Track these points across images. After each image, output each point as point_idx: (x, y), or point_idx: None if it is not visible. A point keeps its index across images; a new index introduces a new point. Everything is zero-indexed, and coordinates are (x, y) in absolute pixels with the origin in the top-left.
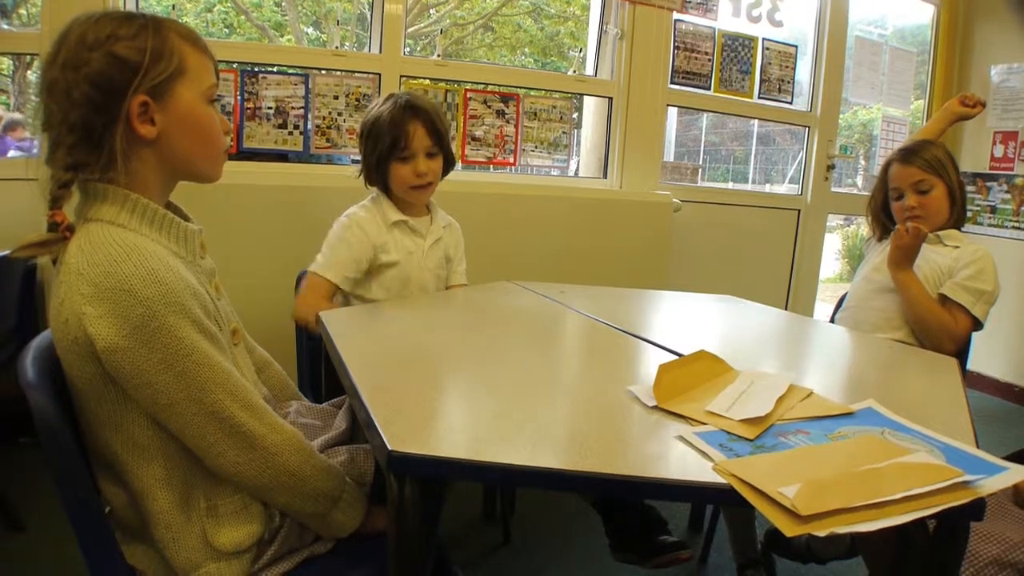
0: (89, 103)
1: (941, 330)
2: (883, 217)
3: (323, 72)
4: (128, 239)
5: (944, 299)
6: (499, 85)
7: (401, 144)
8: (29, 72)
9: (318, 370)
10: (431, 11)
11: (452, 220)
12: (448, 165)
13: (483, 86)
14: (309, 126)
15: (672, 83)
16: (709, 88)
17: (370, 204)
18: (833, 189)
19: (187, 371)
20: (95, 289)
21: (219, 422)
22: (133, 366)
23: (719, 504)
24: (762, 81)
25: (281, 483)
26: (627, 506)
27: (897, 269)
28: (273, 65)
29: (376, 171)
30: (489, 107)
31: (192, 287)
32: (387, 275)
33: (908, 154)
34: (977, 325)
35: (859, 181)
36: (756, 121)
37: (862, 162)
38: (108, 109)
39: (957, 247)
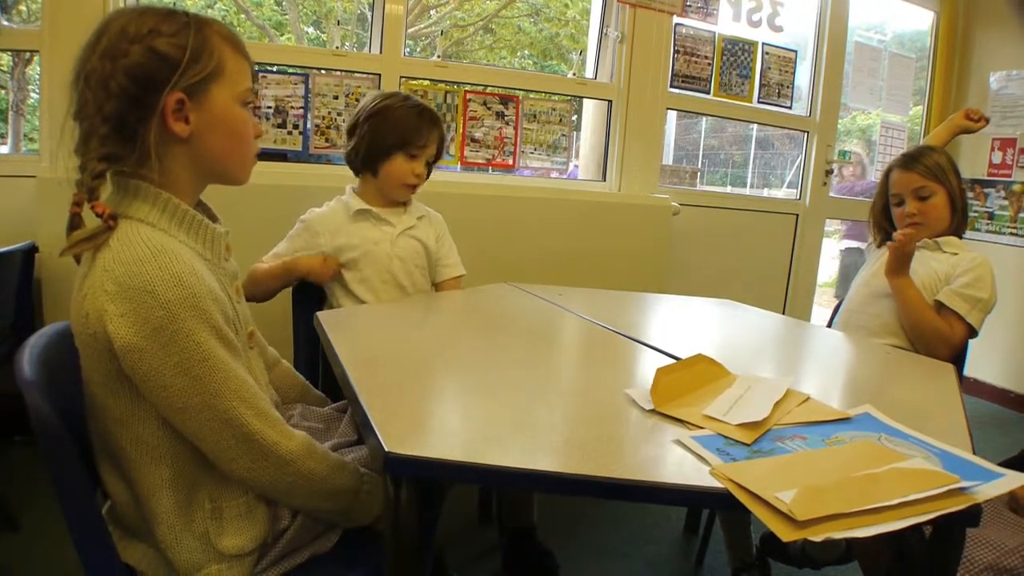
0: (125, 95)
1: (936, 337)
2: (884, 223)
3: (323, 72)
4: (156, 240)
5: (940, 306)
6: (499, 87)
7: (418, 143)
8: (28, 68)
9: (315, 372)
10: (431, 12)
11: (430, 211)
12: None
13: (483, 88)
14: (308, 126)
15: (672, 87)
16: (709, 92)
17: (334, 202)
18: (831, 195)
19: (202, 376)
20: (118, 287)
21: (233, 428)
22: (149, 367)
23: (715, 508)
24: (762, 86)
25: (296, 487)
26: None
27: (894, 276)
28: (273, 64)
29: (375, 158)
30: (489, 109)
31: (214, 292)
32: (354, 262)
33: (909, 160)
34: (972, 333)
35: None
36: (755, 125)
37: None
38: (143, 103)
39: (955, 254)
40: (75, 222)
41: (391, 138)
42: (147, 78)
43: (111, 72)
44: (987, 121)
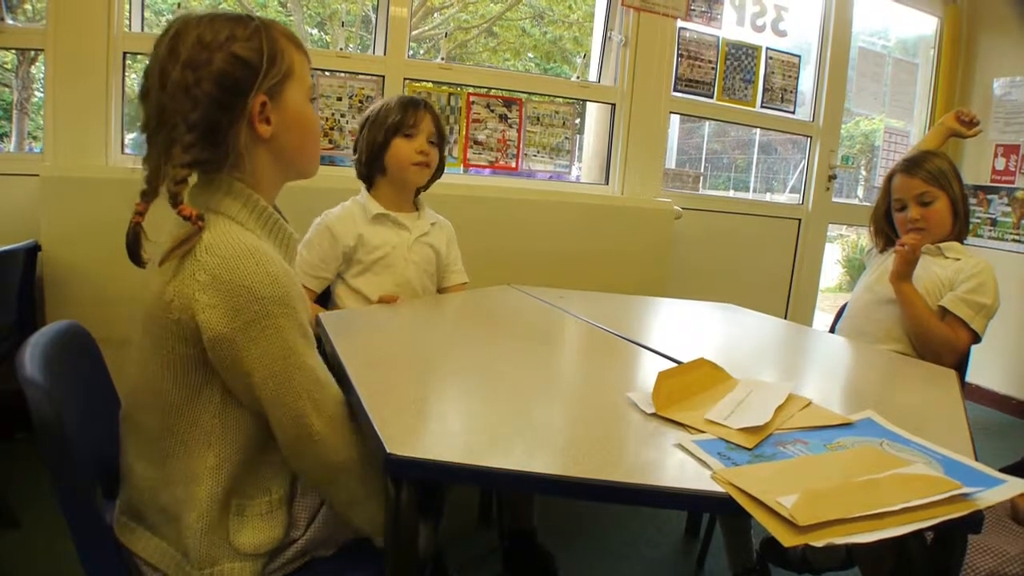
0: (213, 102)
1: (942, 344)
2: (886, 228)
3: (327, 73)
4: (249, 240)
5: (944, 312)
6: (502, 89)
7: (410, 122)
8: (33, 67)
9: None
10: (435, 14)
11: (441, 218)
12: (438, 172)
13: (486, 90)
14: None
15: (675, 91)
16: (712, 96)
17: (350, 203)
18: (834, 199)
19: (282, 371)
20: (212, 279)
21: (298, 426)
22: (236, 357)
23: (717, 513)
24: (765, 90)
25: (336, 493)
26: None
27: (899, 281)
28: None
29: (378, 151)
30: (492, 111)
31: (301, 293)
32: (370, 266)
33: (911, 165)
34: (976, 338)
35: (860, 191)
36: (758, 130)
37: (863, 173)
38: (232, 108)
39: (958, 259)
40: (136, 231)
41: (383, 129)
42: (234, 83)
43: (195, 80)
44: (978, 126)
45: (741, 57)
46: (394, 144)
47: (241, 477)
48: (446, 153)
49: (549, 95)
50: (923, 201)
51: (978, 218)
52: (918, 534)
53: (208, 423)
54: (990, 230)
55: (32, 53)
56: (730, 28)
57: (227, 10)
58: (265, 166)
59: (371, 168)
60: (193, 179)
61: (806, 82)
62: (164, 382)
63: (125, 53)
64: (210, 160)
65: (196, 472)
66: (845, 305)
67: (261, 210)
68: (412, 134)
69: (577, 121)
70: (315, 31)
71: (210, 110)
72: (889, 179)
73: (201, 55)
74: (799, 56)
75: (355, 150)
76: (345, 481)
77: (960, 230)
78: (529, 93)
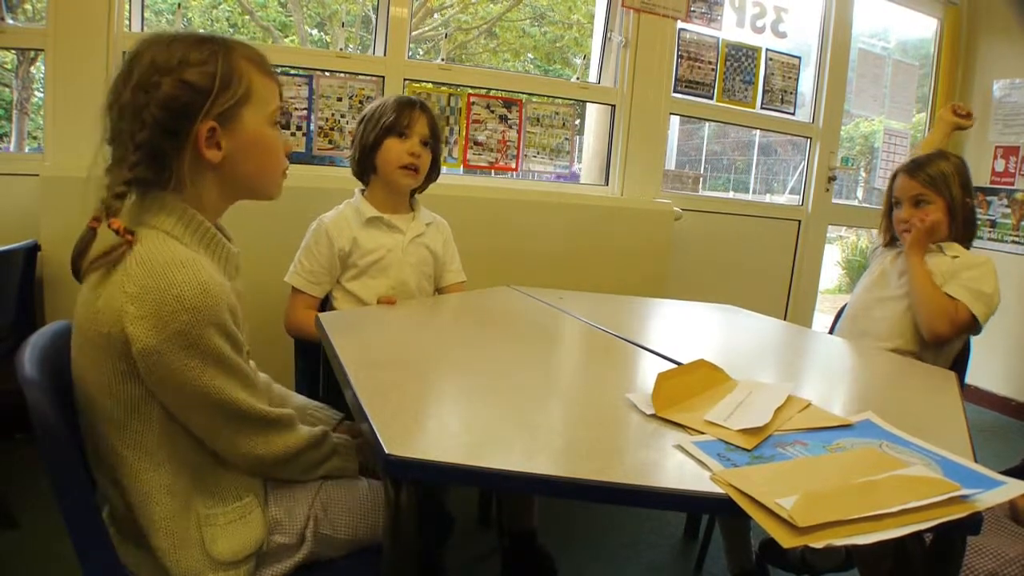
0: (158, 126)
1: (941, 312)
2: (890, 224)
3: (327, 74)
4: (180, 251)
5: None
6: (502, 90)
7: (404, 122)
8: (33, 67)
9: (316, 378)
10: (435, 15)
11: (437, 217)
12: (433, 174)
13: (486, 91)
14: (312, 127)
15: (675, 92)
16: (712, 97)
17: (343, 206)
18: (834, 201)
19: (218, 375)
20: (141, 290)
21: (244, 418)
22: (167, 369)
23: (716, 514)
24: (765, 92)
25: (293, 475)
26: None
27: (913, 251)
28: (277, 65)
29: (370, 150)
30: (492, 112)
31: (232, 304)
32: (365, 269)
33: (914, 167)
34: (976, 325)
35: (859, 193)
36: (758, 131)
37: (863, 174)
38: (177, 132)
39: (957, 257)
40: (90, 236)
41: (378, 128)
42: (180, 108)
43: (144, 103)
44: (973, 117)
45: (741, 58)
46: (386, 144)
47: (203, 489)
48: (446, 154)
49: (549, 96)
50: (917, 202)
51: (978, 220)
52: (917, 535)
53: (153, 441)
54: (990, 232)
55: (32, 53)
56: (730, 29)
57: (196, 31)
58: (210, 190)
59: (363, 166)
60: (133, 195)
61: (806, 83)
62: (100, 400)
63: (125, 53)
64: (152, 181)
65: (150, 493)
66: (845, 306)
67: (197, 224)
68: (405, 135)
69: (577, 122)
70: (315, 31)
71: (155, 133)
72: (894, 177)
73: (152, 78)
74: (799, 57)
75: (352, 146)
76: (297, 431)
77: (958, 235)
78: (529, 94)
